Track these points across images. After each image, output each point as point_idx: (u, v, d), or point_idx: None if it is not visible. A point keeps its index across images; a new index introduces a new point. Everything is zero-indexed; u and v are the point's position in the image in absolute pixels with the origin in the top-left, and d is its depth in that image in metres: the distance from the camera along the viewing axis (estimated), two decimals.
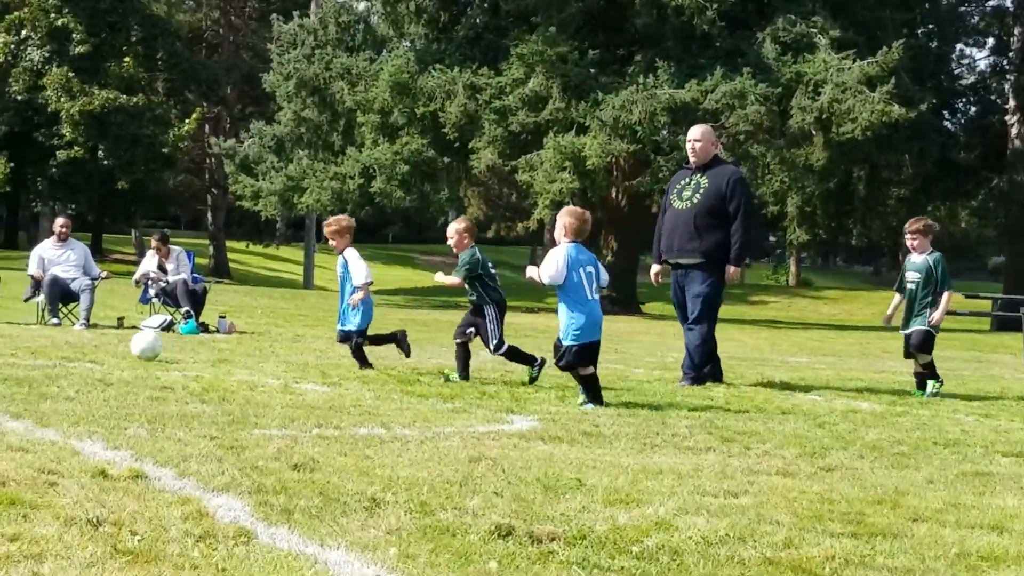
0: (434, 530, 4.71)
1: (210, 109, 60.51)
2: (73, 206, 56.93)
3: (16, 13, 51.17)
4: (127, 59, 51.65)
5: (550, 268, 9.60)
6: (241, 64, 61.27)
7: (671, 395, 10.66)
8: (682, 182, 12.41)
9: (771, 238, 56.21)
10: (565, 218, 9.95)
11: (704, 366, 12.05)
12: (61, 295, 18.19)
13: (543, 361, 11.41)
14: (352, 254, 12.23)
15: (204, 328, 18.12)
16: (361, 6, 39.78)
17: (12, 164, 51.23)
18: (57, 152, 49.70)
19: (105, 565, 3.99)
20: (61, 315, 18.09)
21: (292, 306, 30.82)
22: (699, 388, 11.47)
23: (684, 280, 12.17)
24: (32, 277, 18.50)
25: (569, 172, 30.44)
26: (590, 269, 9.72)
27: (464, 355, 11.59)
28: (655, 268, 12.83)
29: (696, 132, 12.47)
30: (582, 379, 9.70)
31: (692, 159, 12.38)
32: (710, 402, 10.20)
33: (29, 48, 51.36)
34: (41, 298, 18.14)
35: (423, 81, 32.71)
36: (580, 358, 9.60)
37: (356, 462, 6.20)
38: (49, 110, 49.82)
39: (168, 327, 17.66)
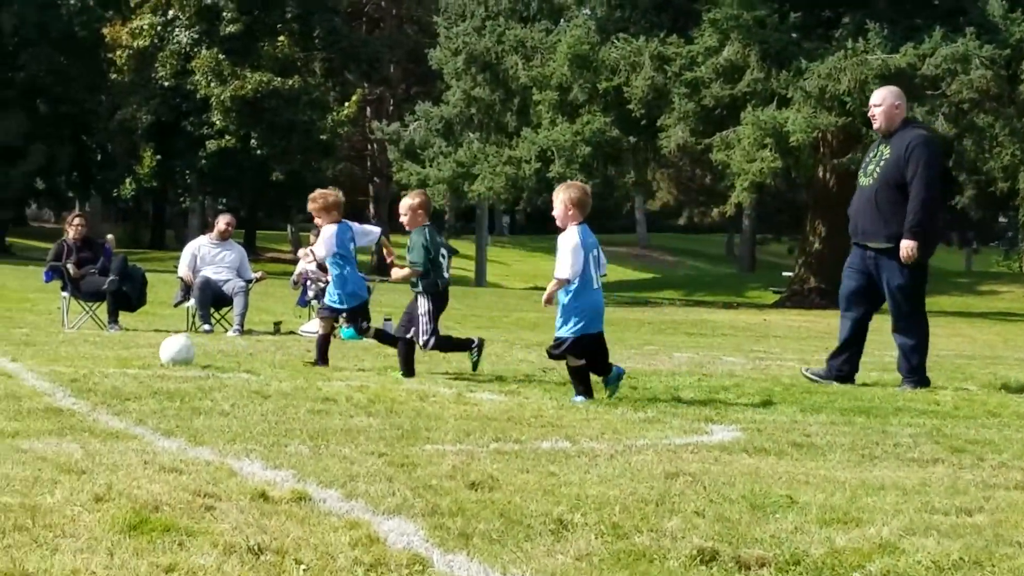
0: (628, 555, 4.68)
1: (371, 90, 61.39)
2: (224, 200, 58.31)
3: None
4: (281, 38, 52.63)
5: (572, 262, 9.65)
6: (405, 40, 61.96)
7: (891, 400, 10.45)
8: (869, 155, 12.18)
9: (1001, 219, 54.87)
10: (569, 193, 9.87)
11: (923, 365, 11.78)
12: (213, 299, 18.56)
13: (481, 342, 11.81)
14: (326, 230, 12.26)
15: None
16: None
17: (159, 156, 52.74)
18: (207, 142, 50.92)
19: None
20: (213, 321, 18.46)
21: (463, 306, 30.98)
22: (923, 391, 11.23)
23: (874, 266, 11.86)
24: (182, 280, 18.90)
25: (770, 150, 30.12)
26: (595, 252, 9.79)
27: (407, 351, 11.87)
28: None
29: (876, 96, 12.19)
30: (572, 370, 9.89)
31: (875, 126, 12.13)
32: (936, 407, 9.97)
33: (176, 30, 52.76)
34: (191, 303, 18.53)
35: (605, 53, 32.68)
36: (575, 348, 9.76)
37: (539, 480, 6.19)
38: (198, 96, 51.08)
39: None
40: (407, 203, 12.03)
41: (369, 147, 62.40)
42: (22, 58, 52.92)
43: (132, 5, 55.03)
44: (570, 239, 9.70)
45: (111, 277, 17.88)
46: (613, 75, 32.75)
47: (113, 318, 17.82)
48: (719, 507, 5.60)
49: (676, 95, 31.80)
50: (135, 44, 52.84)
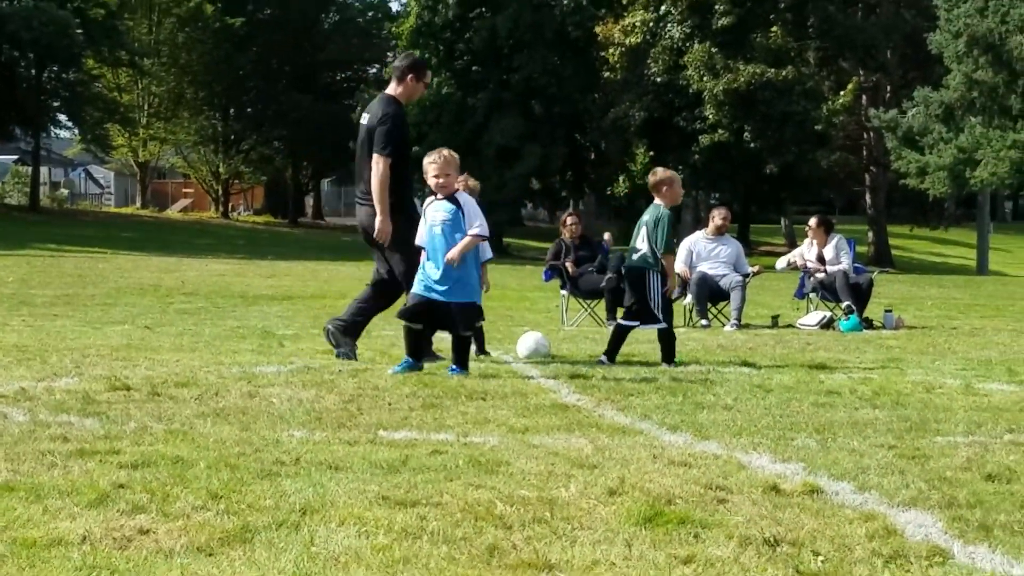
0: None
1: (867, 78, 60.39)
2: (717, 195, 58.73)
3: None
4: (774, 29, 52.52)
5: None
6: (902, 24, 60.55)
7: None
8: None
9: None
10: None
11: None
12: (710, 294, 18.72)
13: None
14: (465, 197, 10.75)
15: (868, 324, 18.09)
16: None
17: (652, 153, 53.68)
18: (700, 136, 51.43)
19: None
20: (710, 316, 18.63)
21: (966, 295, 30.17)
22: None
23: None
24: (679, 275, 19.14)
25: None
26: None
27: None
28: None
29: None
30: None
31: None
32: None
33: (669, 25, 53.50)
34: (689, 299, 18.76)
35: None
36: None
37: None
38: (690, 91, 51.62)
39: (828, 324, 17.78)
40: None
41: (865, 136, 61.39)
42: (517, 60, 54.96)
43: (624, 2, 56.20)
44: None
45: (609, 275, 18.30)
46: None
47: (611, 315, 18.23)
48: None
49: None
50: (628, 41, 53.95)
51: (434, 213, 10.34)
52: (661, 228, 11.57)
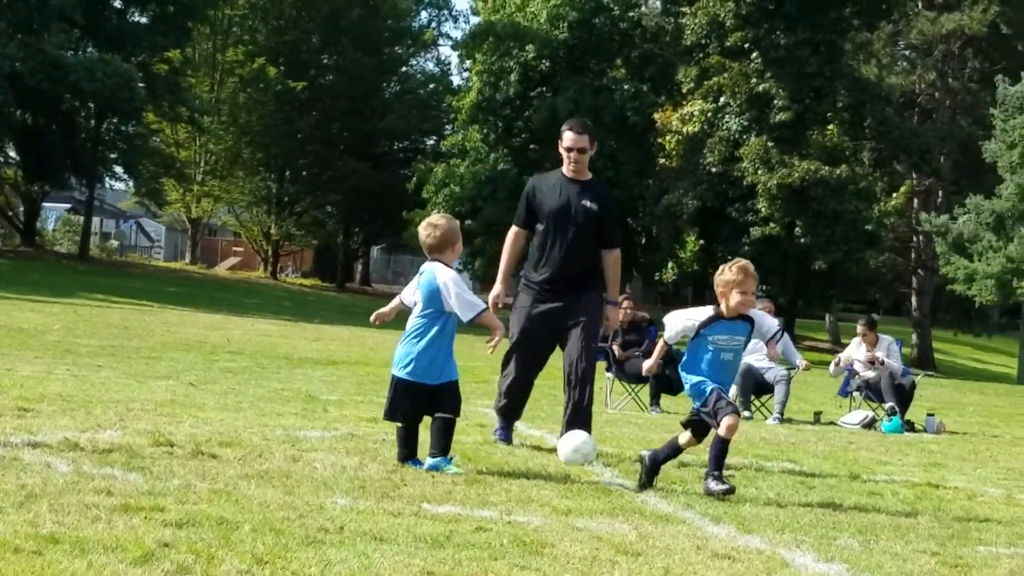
0: None
1: (920, 182, 60.34)
2: (764, 287, 58.65)
3: (716, 78, 53.63)
4: (831, 127, 52.58)
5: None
6: (958, 131, 60.65)
7: None
8: None
9: None
10: None
11: None
12: (755, 386, 18.66)
13: None
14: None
15: (910, 427, 17.99)
16: None
17: (702, 241, 53.66)
18: (751, 228, 51.40)
19: None
20: (753, 408, 18.57)
21: (1007, 404, 29.98)
22: None
23: None
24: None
25: None
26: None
27: None
28: None
29: None
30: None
31: None
32: None
33: (727, 116, 53.65)
34: (733, 390, 18.69)
35: None
36: None
37: None
38: (745, 183, 51.66)
39: (870, 424, 17.70)
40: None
41: (914, 238, 61.27)
42: None
43: (684, 91, 56.45)
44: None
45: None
46: None
47: (655, 400, 18.21)
48: None
49: None
50: (685, 130, 54.13)
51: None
52: None
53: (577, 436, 9.73)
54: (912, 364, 51.40)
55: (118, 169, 67.35)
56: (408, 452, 8.87)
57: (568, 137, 11.02)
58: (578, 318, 10.71)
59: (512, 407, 10.93)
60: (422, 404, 8.89)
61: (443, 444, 8.77)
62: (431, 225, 9.22)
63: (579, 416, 10.50)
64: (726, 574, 5.81)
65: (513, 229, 11.13)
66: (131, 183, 71.85)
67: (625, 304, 19.59)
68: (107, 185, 74.91)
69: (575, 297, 10.78)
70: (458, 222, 9.52)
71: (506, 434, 10.89)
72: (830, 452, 12.91)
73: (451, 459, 8.75)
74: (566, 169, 11.03)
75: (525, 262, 11.12)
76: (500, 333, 9.01)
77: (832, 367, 20.08)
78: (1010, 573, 6.25)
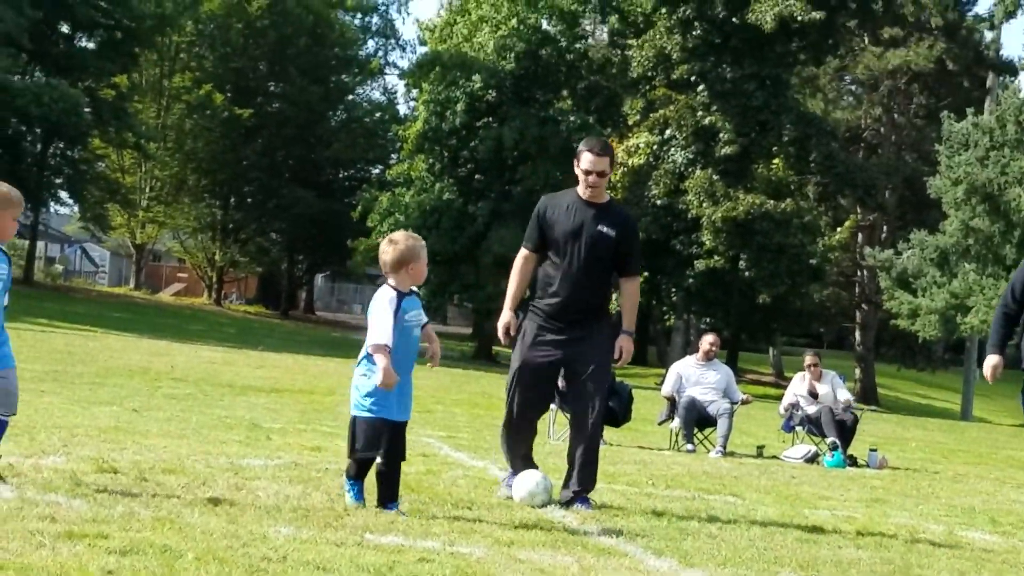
0: None
1: (865, 216, 60.84)
2: (708, 320, 58.86)
3: (662, 111, 53.93)
4: (776, 161, 53.00)
5: None
6: (903, 167, 61.28)
7: None
8: None
9: None
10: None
11: None
12: (698, 419, 18.75)
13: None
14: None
15: (852, 462, 18.11)
16: None
17: (647, 273, 53.85)
18: (695, 261, 51.65)
19: None
20: (696, 441, 18.64)
21: (950, 439, 30.18)
22: None
23: None
24: (667, 399, 19.22)
25: None
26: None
27: None
28: None
29: None
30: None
31: None
32: None
33: (672, 149, 53.94)
34: (676, 423, 18.79)
35: None
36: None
37: None
38: (690, 216, 51.92)
39: (812, 459, 17.80)
40: None
41: (859, 273, 61.74)
42: (520, 172, 55.33)
43: (630, 123, 56.71)
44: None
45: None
46: None
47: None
48: None
49: None
50: (631, 162, 54.31)
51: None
52: None
53: (531, 478, 9.50)
54: (855, 399, 51.67)
55: (63, 194, 67.01)
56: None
57: (587, 159, 10.07)
58: (588, 364, 10.07)
59: (516, 459, 10.02)
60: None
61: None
62: (391, 241, 8.50)
63: (588, 461, 9.89)
64: None
65: (522, 252, 10.27)
66: (76, 208, 71.36)
67: None
68: (52, 210, 74.46)
69: (583, 330, 10.09)
70: (424, 243, 8.71)
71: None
72: (772, 486, 12.98)
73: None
74: (581, 191, 10.16)
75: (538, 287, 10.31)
76: (382, 379, 8.05)
77: (781, 410, 20.16)
78: None
